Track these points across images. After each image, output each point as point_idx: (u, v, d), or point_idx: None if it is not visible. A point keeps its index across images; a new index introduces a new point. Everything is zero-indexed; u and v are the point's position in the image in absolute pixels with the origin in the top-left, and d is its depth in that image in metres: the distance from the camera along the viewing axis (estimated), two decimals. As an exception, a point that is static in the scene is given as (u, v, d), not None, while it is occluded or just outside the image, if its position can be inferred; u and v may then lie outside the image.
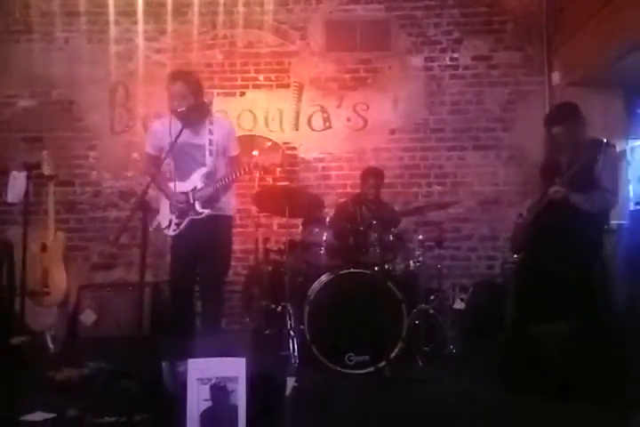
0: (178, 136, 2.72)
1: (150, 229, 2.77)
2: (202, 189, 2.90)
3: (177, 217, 2.92)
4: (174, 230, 2.92)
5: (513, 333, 2.96)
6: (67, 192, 4.49)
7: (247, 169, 2.97)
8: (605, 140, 2.69)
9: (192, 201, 2.89)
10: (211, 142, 2.91)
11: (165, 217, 2.96)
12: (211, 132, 2.93)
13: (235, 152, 3.03)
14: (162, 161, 2.91)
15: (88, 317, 3.94)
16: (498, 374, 2.76)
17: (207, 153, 2.91)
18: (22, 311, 3.30)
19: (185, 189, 2.92)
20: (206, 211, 2.89)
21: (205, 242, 2.88)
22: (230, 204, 3.04)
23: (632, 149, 3.99)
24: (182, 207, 2.90)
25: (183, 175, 2.93)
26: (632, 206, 3.62)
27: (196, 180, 2.92)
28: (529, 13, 4.55)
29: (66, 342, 3.59)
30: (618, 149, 2.92)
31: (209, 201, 2.90)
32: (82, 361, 2.87)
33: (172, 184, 2.93)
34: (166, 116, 3.00)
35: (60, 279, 3.60)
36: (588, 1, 3.84)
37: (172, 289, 3.04)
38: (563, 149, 2.84)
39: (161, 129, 2.97)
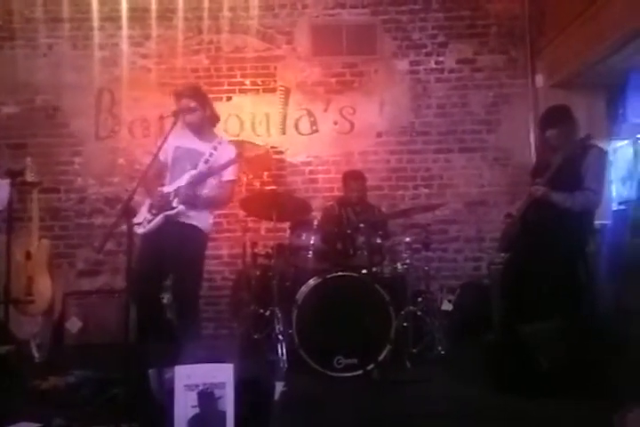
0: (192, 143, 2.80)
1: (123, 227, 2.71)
2: (184, 186, 2.86)
3: (152, 214, 2.88)
4: (144, 227, 2.86)
5: (500, 332, 2.98)
6: (51, 199, 4.45)
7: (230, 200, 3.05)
8: (589, 140, 2.73)
9: (171, 198, 2.87)
10: (211, 155, 2.95)
11: (141, 216, 2.90)
12: (215, 148, 2.96)
13: (230, 177, 3.01)
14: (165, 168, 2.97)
15: (74, 324, 3.90)
16: (486, 375, 2.77)
17: (202, 160, 2.93)
18: (7, 320, 3.26)
19: (169, 190, 2.92)
20: (180, 207, 2.83)
21: (175, 248, 2.82)
22: (207, 220, 3.00)
23: (615, 150, 4.04)
24: (160, 203, 2.87)
25: (173, 178, 2.94)
26: (615, 206, 3.66)
27: (182, 180, 2.90)
28: (512, 17, 4.60)
29: (51, 351, 3.55)
30: (602, 149, 2.96)
31: (186, 199, 2.85)
32: (68, 369, 2.83)
33: (161, 188, 2.93)
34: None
35: (44, 287, 3.57)
36: (569, 4, 3.89)
37: (135, 297, 2.81)
38: (555, 151, 2.87)
39: (174, 139, 2.97)
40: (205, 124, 3.02)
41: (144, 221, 2.88)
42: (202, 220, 2.97)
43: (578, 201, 2.72)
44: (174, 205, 2.85)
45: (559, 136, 2.83)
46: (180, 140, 2.96)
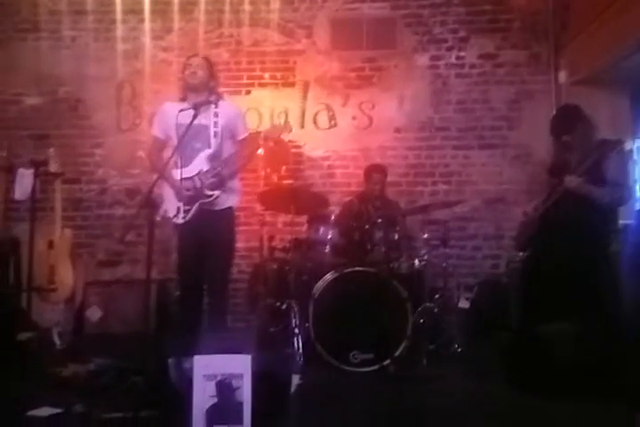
0: (193, 119, 2.65)
1: (157, 218, 2.73)
2: (208, 171, 2.80)
3: (185, 204, 2.82)
4: (184, 217, 2.81)
5: (518, 331, 2.96)
6: (73, 190, 4.52)
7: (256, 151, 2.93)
8: (615, 139, 2.69)
9: (199, 185, 2.80)
10: (215, 124, 2.84)
11: (173, 205, 2.85)
12: (216, 114, 2.85)
13: (243, 135, 2.94)
14: (168, 146, 2.90)
15: (94, 313, 3.96)
16: (503, 373, 2.75)
17: (212, 134, 2.83)
18: (29, 307, 3.33)
19: (190, 174, 2.81)
20: (215, 192, 2.80)
21: (213, 234, 2.83)
22: (236, 192, 2.95)
23: (638, 149, 3.97)
24: (190, 194, 2.80)
25: (187, 160, 2.83)
26: (638, 206, 3.60)
27: (200, 163, 2.82)
28: (535, 11, 4.53)
29: (72, 339, 3.61)
30: (627, 147, 2.92)
31: (217, 183, 2.81)
32: (88, 357, 2.89)
33: (175, 171, 2.83)
34: (175, 101, 2.96)
35: (66, 276, 3.63)
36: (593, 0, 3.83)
37: (182, 285, 2.95)
38: (572, 149, 2.84)
39: (169, 110, 2.90)
40: (202, 91, 2.87)
41: (179, 211, 2.82)
42: (231, 195, 2.91)
43: (608, 195, 2.68)
44: (207, 193, 2.80)
45: (575, 139, 2.79)
46: (180, 116, 2.78)
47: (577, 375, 2.46)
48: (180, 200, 2.84)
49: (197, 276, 2.88)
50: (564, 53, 4.39)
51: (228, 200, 2.90)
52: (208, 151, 2.83)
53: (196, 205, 2.82)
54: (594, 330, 2.58)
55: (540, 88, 4.49)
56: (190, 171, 2.82)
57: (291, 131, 3.13)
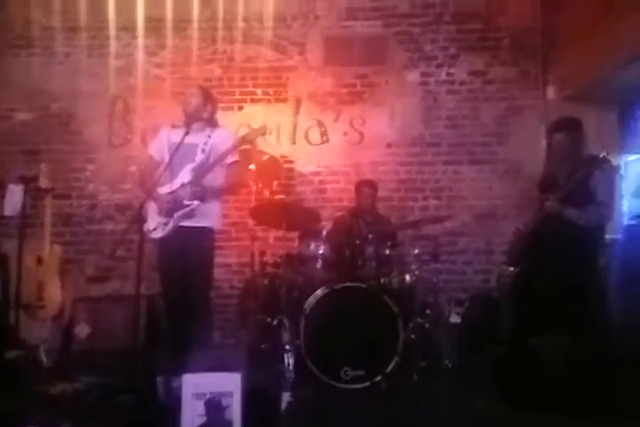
0: (184, 138, 2.75)
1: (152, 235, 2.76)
2: (189, 181, 2.85)
3: (164, 216, 2.87)
4: (163, 230, 2.86)
5: (510, 346, 2.96)
6: (63, 205, 4.49)
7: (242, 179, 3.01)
8: (602, 155, 2.73)
9: (179, 197, 2.85)
10: (205, 143, 2.94)
11: (154, 220, 2.90)
12: (209, 136, 2.97)
13: (233, 158, 2.99)
14: (160, 166, 2.95)
15: (82, 330, 3.91)
16: (494, 388, 2.75)
17: (199, 150, 2.92)
18: (17, 325, 3.28)
19: (173, 188, 2.88)
20: (194, 202, 2.83)
21: (189, 253, 2.84)
22: (217, 214, 3.01)
23: (626, 164, 4.02)
24: (169, 206, 2.85)
25: (173, 176, 2.91)
26: (626, 221, 3.63)
27: (183, 176, 2.88)
28: (524, 29, 4.61)
29: (59, 356, 3.57)
30: (614, 164, 2.95)
31: (196, 195, 2.84)
32: (76, 375, 2.85)
33: (161, 188, 2.90)
34: (175, 127, 3.04)
35: (55, 292, 3.60)
36: (582, 17, 3.91)
37: (165, 301, 2.99)
38: (561, 163, 2.87)
39: (166, 134, 3.02)
40: (199, 117, 2.98)
41: (159, 225, 2.87)
42: (212, 217, 2.96)
43: (591, 216, 2.71)
44: (186, 202, 2.84)
45: (565, 142, 2.82)
46: (174, 136, 2.93)
47: (568, 390, 2.46)
48: (159, 214, 2.89)
49: (179, 293, 2.88)
50: (553, 70, 4.47)
51: (207, 219, 2.93)
52: (191, 165, 2.89)
53: (175, 216, 2.85)
54: (584, 344, 2.58)
55: (528, 104, 4.55)
56: (174, 185, 2.89)
57: (269, 133, 3.21)
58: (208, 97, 3.06)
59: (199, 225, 2.90)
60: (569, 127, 2.83)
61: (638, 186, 3.86)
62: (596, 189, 2.71)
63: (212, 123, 3.06)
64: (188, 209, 2.84)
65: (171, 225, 2.86)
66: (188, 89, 3.13)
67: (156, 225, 2.88)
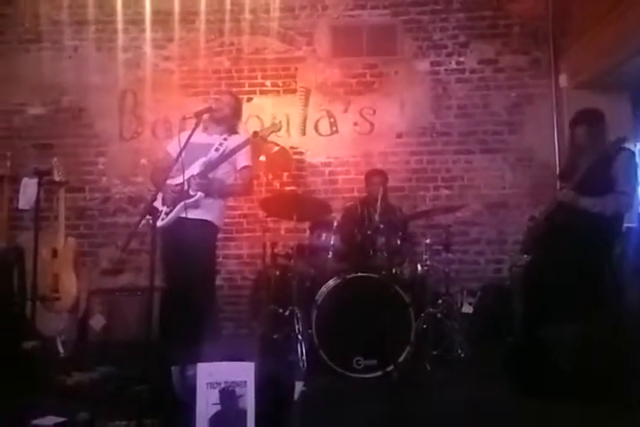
0: (191, 134, 2.72)
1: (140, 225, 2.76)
2: (197, 173, 2.87)
3: (168, 206, 2.88)
4: (162, 219, 2.85)
5: (522, 335, 2.95)
6: (77, 198, 4.55)
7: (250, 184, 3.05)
8: (621, 144, 2.70)
9: (186, 187, 2.87)
10: (221, 144, 2.98)
11: (158, 209, 2.87)
12: (226, 139, 3.02)
13: (244, 163, 3.04)
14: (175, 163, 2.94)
15: (98, 321, 3.96)
16: (507, 378, 2.74)
17: (213, 149, 2.96)
18: (33, 316, 3.33)
19: (181, 180, 2.90)
20: (199, 194, 2.85)
21: (187, 247, 2.82)
22: (221, 211, 3.03)
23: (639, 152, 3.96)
24: (174, 195, 2.87)
25: (183, 170, 2.88)
26: (640, 209, 3.59)
27: (193, 169, 2.90)
28: (535, 17, 4.55)
29: (76, 347, 3.62)
30: (633, 151, 2.92)
31: (201, 187, 2.86)
32: (92, 366, 2.89)
33: (170, 180, 2.90)
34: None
35: (70, 284, 3.64)
36: (594, 4, 3.84)
37: (170, 292, 2.99)
38: (583, 154, 2.84)
39: (186, 135, 2.96)
40: (222, 124, 3.07)
41: (161, 213, 2.86)
42: (215, 212, 2.97)
43: (608, 205, 2.68)
44: (192, 193, 2.86)
45: (587, 134, 2.80)
46: (194, 136, 2.90)
47: (581, 380, 2.45)
48: (163, 203, 2.89)
49: (180, 284, 2.89)
50: (564, 58, 4.40)
51: (209, 213, 2.93)
52: (203, 159, 2.92)
53: (178, 207, 2.85)
54: (598, 334, 2.57)
55: (540, 92, 4.50)
56: (184, 177, 2.89)
57: (280, 129, 3.21)
58: (238, 108, 3.16)
59: (200, 218, 2.91)
60: (591, 120, 2.81)
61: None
62: (616, 177, 2.69)
63: (232, 130, 3.13)
64: (191, 200, 2.85)
65: (172, 215, 2.86)
66: (222, 95, 3.22)
67: (158, 214, 2.86)
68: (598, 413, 2.28)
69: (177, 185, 2.90)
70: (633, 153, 2.80)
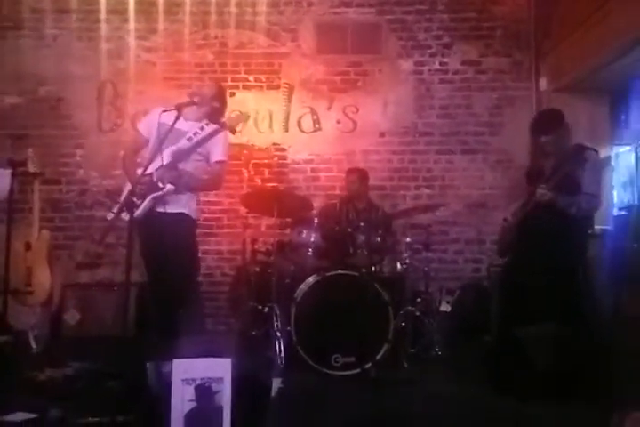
0: (175, 122, 2.63)
1: (108, 217, 2.71)
2: (167, 164, 2.73)
3: (137, 199, 2.69)
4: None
5: (498, 335, 2.99)
6: (52, 190, 4.45)
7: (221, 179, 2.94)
8: (590, 146, 2.74)
9: (155, 179, 2.75)
10: (196, 133, 2.83)
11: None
12: (202, 128, 2.86)
13: (219, 157, 2.91)
14: (145, 144, 2.88)
15: (72, 316, 3.90)
16: (483, 376, 2.77)
17: (186, 138, 2.82)
18: (5, 310, 3.25)
19: (151, 171, 2.75)
20: (168, 186, 2.73)
21: (166, 241, 2.75)
22: (194, 204, 2.92)
23: (617, 155, 4.04)
24: (144, 188, 2.74)
25: (153, 158, 2.76)
26: (616, 212, 3.66)
27: (163, 158, 2.74)
28: (517, 20, 4.60)
29: (49, 342, 3.55)
30: (603, 154, 2.97)
31: (171, 179, 2.73)
32: (65, 361, 2.84)
33: (140, 170, 2.74)
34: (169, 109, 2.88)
35: (43, 278, 3.56)
36: (576, 9, 3.89)
37: (152, 287, 2.92)
38: (548, 155, 2.89)
39: (158, 114, 2.87)
40: (205, 104, 2.90)
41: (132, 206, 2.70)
42: (189, 205, 2.87)
43: (581, 206, 2.73)
44: (160, 185, 2.73)
45: (553, 142, 2.85)
46: (165, 117, 2.77)
47: (556, 378, 2.49)
48: (135, 196, 2.70)
49: (163, 279, 2.82)
50: (546, 61, 4.46)
51: (185, 206, 2.84)
52: (173, 148, 2.78)
53: (148, 199, 2.74)
54: (571, 334, 2.61)
55: (521, 95, 4.55)
56: (153, 167, 2.76)
57: (247, 119, 3.15)
58: (220, 94, 3.01)
59: (177, 211, 2.83)
60: (553, 127, 2.85)
61: (628, 177, 3.89)
62: (585, 179, 2.73)
63: (212, 118, 2.94)
64: (161, 193, 2.74)
65: (142, 208, 2.74)
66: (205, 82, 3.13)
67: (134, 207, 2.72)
68: (570, 412, 2.32)
69: (145, 175, 2.74)
70: (598, 154, 2.85)
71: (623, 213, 3.57)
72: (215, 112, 2.97)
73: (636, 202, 3.65)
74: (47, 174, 3.93)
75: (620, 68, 3.58)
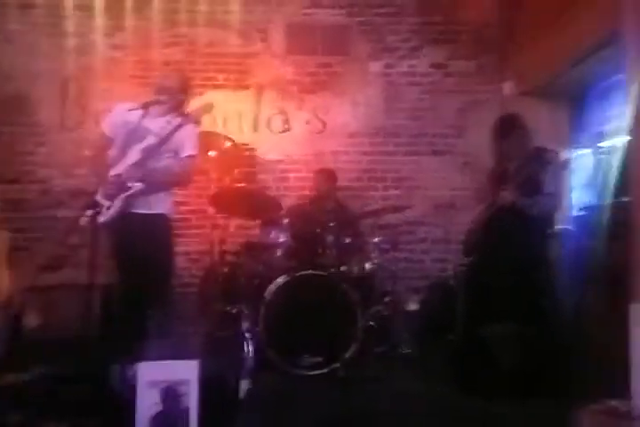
0: (141, 119, 2.60)
1: (81, 223, 2.65)
2: (135, 163, 2.68)
3: (107, 200, 2.67)
4: (105, 214, 2.66)
5: (464, 334, 3.04)
6: (12, 190, 4.30)
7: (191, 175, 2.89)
8: (550, 149, 2.83)
9: (123, 180, 2.69)
10: (162, 128, 2.76)
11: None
12: (169, 122, 2.79)
13: (189, 152, 2.84)
14: (111, 144, 2.81)
15: (33, 319, 3.78)
16: (450, 375, 2.82)
17: (153, 135, 2.75)
18: (-39, 314, 3.14)
19: (119, 171, 2.71)
20: (137, 185, 2.66)
21: (143, 243, 2.71)
22: (168, 203, 2.88)
23: (577, 158, 4.17)
24: (113, 189, 2.68)
25: (121, 158, 2.74)
26: (576, 212, 3.78)
27: (131, 157, 2.71)
28: (483, 24, 4.69)
29: (9, 346, 3.43)
30: (563, 157, 3.07)
31: (141, 177, 2.67)
32: (26, 366, 2.75)
33: (110, 171, 2.73)
34: (134, 104, 2.83)
35: (2, 281, 3.44)
36: (539, 14, 4.00)
37: (125, 289, 2.87)
38: (509, 157, 2.97)
39: (122, 111, 2.82)
40: (168, 95, 2.84)
41: (102, 208, 2.67)
42: (164, 204, 2.83)
43: (542, 206, 2.81)
44: (128, 184, 2.67)
45: (513, 145, 2.93)
46: (129, 115, 2.73)
47: (521, 377, 2.55)
48: (103, 197, 2.71)
49: (138, 281, 2.78)
50: (510, 66, 4.56)
51: (160, 206, 2.81)
52: (140, 145, 2.73)
53: (119, 199, 2.68)
54: (534, 332, 2.68)
55: (486, 98, 4.64)
56: (121, 167, 2.73)
57: (211, 110, 3.20)
58: (184, 84, 2.93)
59: (153, 212, 2.79)
60: (512, 131, 2.93)
61: (588, 178, 4.02)
62: (546, 180, 2.81)
63: (177, 111, 2.87)
64: (131, 192, 2.68)
65: (114, 209, 2.68)
66: (168, 73, 3.09)
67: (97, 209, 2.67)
68: (534, 409, 2.38)
69: (115, 176, 2.71)
70: (558, 155, 2.95)
71: (583, 213, 3.68)
72: (180, 104, 2.91)
73: (594, 202, 3.78)
74: (6, 173, 3.81)
75: (579, 73, 3.69)
